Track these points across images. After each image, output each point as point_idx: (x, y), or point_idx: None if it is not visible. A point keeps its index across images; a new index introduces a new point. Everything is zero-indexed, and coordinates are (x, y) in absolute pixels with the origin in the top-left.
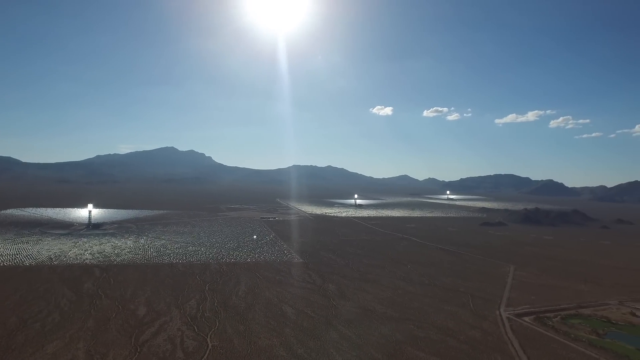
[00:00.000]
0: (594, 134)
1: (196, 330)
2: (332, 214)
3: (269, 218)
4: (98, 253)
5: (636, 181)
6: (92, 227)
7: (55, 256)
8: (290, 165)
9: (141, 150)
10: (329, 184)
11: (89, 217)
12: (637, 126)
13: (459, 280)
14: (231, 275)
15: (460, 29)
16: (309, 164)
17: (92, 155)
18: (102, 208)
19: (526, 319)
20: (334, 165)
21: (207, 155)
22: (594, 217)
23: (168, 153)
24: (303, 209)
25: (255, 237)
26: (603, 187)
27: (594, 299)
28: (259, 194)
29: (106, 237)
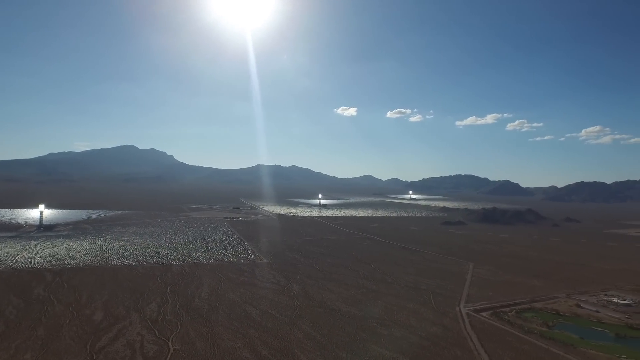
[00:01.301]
0: (546, 137)
1: (157, 334)
2: (297, 214)
3: (233, 218)
4: (50, 256)
5: (582, 182)
6: (43, 229)
7: (1, 261)
8: (254, 164)
9: (99, 148)
10: (293, 183)
11: (41, 218)
12: (583, 131)
13: (421, 278)
14: (194, 276)
15: (424, 31)
16: (273, 164)
17: (44, 153)
18: (55, 208)
19: (484, 314)
20: (298, 165)
21: (168, 154)
22: (545, 216)
23: (127, 151)
24: (267, 209)
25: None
26: (554, 188)
27: (545, 293)
28: (222, 193)
29: (60, 239)
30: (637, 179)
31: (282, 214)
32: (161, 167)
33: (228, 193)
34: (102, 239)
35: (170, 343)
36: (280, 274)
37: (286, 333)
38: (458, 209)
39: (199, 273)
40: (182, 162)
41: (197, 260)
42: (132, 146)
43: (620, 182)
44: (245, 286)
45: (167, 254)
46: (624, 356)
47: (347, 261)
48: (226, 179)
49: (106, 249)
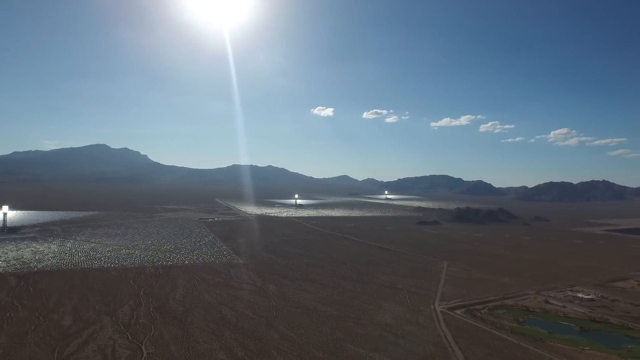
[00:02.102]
0: (517, 139)
1: (130, 338)
2: (273, 214)
3: (208, 219)
4: (14, 260)
5: (551, 182)
6: (7, 231)
7: None
8: (230, 164)
9: (68, 147)
10: (270, 183)
11: (4, 220)
12: (552, 132)
13: (396, 278)
14: (168, 278)
15: (401, 32)
16: (250, 164)
17: (8, 152)
18: (21, 210)
19: (458, 311)
20: (274, 165)
21: (142, 153)
22: (517, 215)
23: (99, 151)
24: (243, 209)
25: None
26: (525, 188)
27: (515, 290)
28: (197, 194)
29: (25, 242)
30: (600, 179)
31: (258, 214)
32: (134, 166)
33: (204, 193)
34: (71, 241)
35: (143, 347)
36: (256, 274)
37: (262, 334)
38: (433, 208)
39: (174, 275)
40: (156, 162)
41: (171, 261)
42: (103, 145)
43: (586, 182)
44: (221, 287)
45: (140, 255)
46: (587, 348)
47: (323, 261)
48: (202, 179)
49: (76, 251)
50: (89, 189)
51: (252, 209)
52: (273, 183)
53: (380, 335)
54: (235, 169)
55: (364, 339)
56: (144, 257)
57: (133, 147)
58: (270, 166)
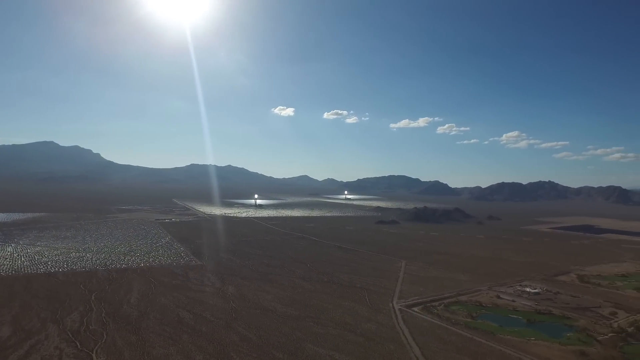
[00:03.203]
0: (472, 141)
1: (79, 346)
2: (232, 214)
3: (165, 220)
4: None
5: (503, 182)
6: None
7: None
8: (188, 164)
9: (10, 144)
10: (229, 183)
11: None
12: (504, 135)
13: (356, 277)
14: (122, 282)
15: (362, 34)
16: (208, 163)
17: None
18: None
19: (415, 309)
20: (234, 164)
21: (94, 151)
22: (471, 214)
23: (47, 148)
24: (201, 210)
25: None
26: (479, 188)
27: (470, 286)
28: (154, 194)
29: None
30: (546, 180)
31: (217, 215)
32: (86, 165)
33: (160, 193)
34: (13, 244)
35: (94, 355)
36: (215, 276)
37: (221, 336)
38: (391, 208)
39: (128, 278)
40: (109, 161)
41: (126, 264)
42: (51, 142)
43: (534, 182)
44: (179, 290)
45: (92, 258)
46: (533, 338)
47: (283, 261)
48: (158, 178)
49: (18, 255)
50: (35, 188)
51: (211, 209)
52: (232, 183)
53: (340, 334)
54: (193, 169)
55: (323, 338)
56: (96, 261)
57: (84, 145)
58: (229, 166)
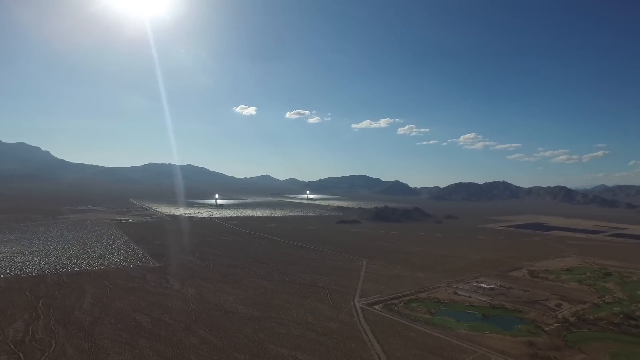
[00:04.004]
0: (431, 142)
1: (22, 358)
2: (192, 215)
3: (122, 220)
4: None
5: (460, 182)
6: None
7: None
8: (146, 162)
9: None
10: (189, 183)
11: None
12: (461, 137)
13: (317, 276)
14: (74, 286)
15: (325, 35)
16: (167, 162)
17: None
18: None
19: (376, 307)
20: (194, 164)
21: (43, 149)
22: (430, 214)
23: None
24: (160, 210)
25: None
26: (437, 188)
27: (429, 284)
28: (109, 194)
29: None
30: (501, 180)
31: (176, 215)
32: (33, 163)
33: (117, 193)
34: None
35: None
36: (174, 278)
37: (181, 340)
38: (353, 208)
39: (81, 282)
40: (60, 159)
41: (78, 267)
42: None
43: (489, 182)
44: (136, 293)
45: (39, 262)
46: (487, 332)
47: (244, 262)
48: (114, 177)
49: None
50: None
51: (170, 210)
52: (193, 182)
53: (302, 334)
54: (152, 168)
55: (285, 338)
56: (44, 265)
57: (32, 142)
58: (189, 165)
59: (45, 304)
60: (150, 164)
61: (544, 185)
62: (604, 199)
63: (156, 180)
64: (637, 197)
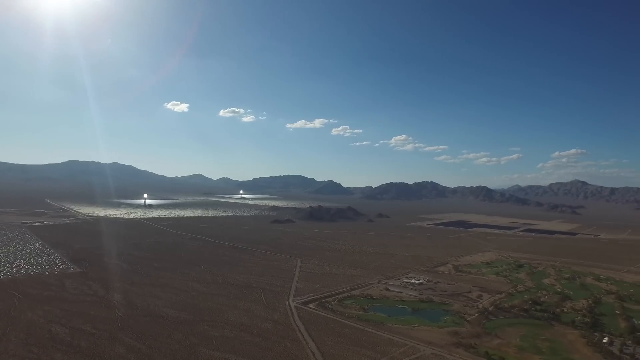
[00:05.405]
0: (364, 142)
1: None
2: (118, 216)
3: (35, 223)
4: None
5: (391, 182)
6: None
7: None
8: (66, 160)
9: None
10: (115, 182)
11: None
12: (393, 138)
13: (252, 277)
14: None
15: (260, 34)
16: (90, 160)
17: None
18: None
19: (311, 305)
20: (121, 162)
21: None
22: (363, 213)
23: None
24: (82, 211)
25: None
26: (370, 187)
27: (361, 281)
28: (22, 194)
29: None
30: (429, 180)
31: (100, 216)
32: None
33: (31, 193)
34: None
35: None
36: (97, 283)
37: (105, 350)
38: (287, 207)
39: None
40: None
41: None
42: None
43: (418, 182)
44: (52, 302)
45: None
46: (417, 325)
47: (175, 264)
48: (28, 176)
49: None
50: None
51: (93, 210)
52: (119, 182)
53: (236, 336)
54: (72, 166)
55: (219, 341)
56: None
57: None
58: (115, 163)
59: None
60: (70, 162)
61: (468, 186)
62: (518, 197)
63: (77, 179)
64: (545, 196)
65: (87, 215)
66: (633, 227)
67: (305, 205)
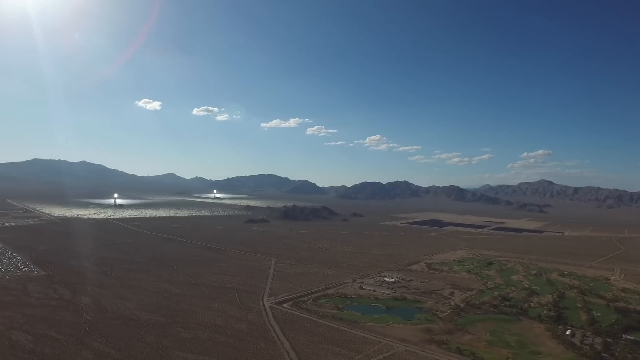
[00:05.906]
0: (339, 142)
1: None
2: (87, 216)
3: None
4: None
5: (365, 182)
6: None
7: None
8: (30, 158)
9: None
10: (83, 182)
11: None
12: (367, 138)
13: (226, 277)
14: None
15: (234, 32)
16: (56, 158)
17: None
18: None
19: (285, 305)
20: (89, 160)
21: None
22: (337, 212)
23: None
24: (47, 212)
25: None
26: (344, 187)
27: (336, 280)
28: None
29: None
30: (402, 180)
31: (67, 217)
32: None
33: None
34: None
35: None
36: (63, 286)
37: (71, 356)
38: (261, 207)
39: None
40: None
41: None
42: None
43: (392, 182)
44: (12, 308)
45: None
46: (391, 322)
47: (147, 265)
48: None
49: None
50: None
51: (60, 211)
52: (88, 181)
53: (209, 337)
54: (36, 164)
55: (192, 343)
56: None
57: None
58: (84, 162)
59: None
60: (35, 160)
61: (440, 185)
62: (488, 197)
63: (42, 179)
64: (514, 195)
65: (53, 216)
66: (594, 224)
67: (279, 204)
